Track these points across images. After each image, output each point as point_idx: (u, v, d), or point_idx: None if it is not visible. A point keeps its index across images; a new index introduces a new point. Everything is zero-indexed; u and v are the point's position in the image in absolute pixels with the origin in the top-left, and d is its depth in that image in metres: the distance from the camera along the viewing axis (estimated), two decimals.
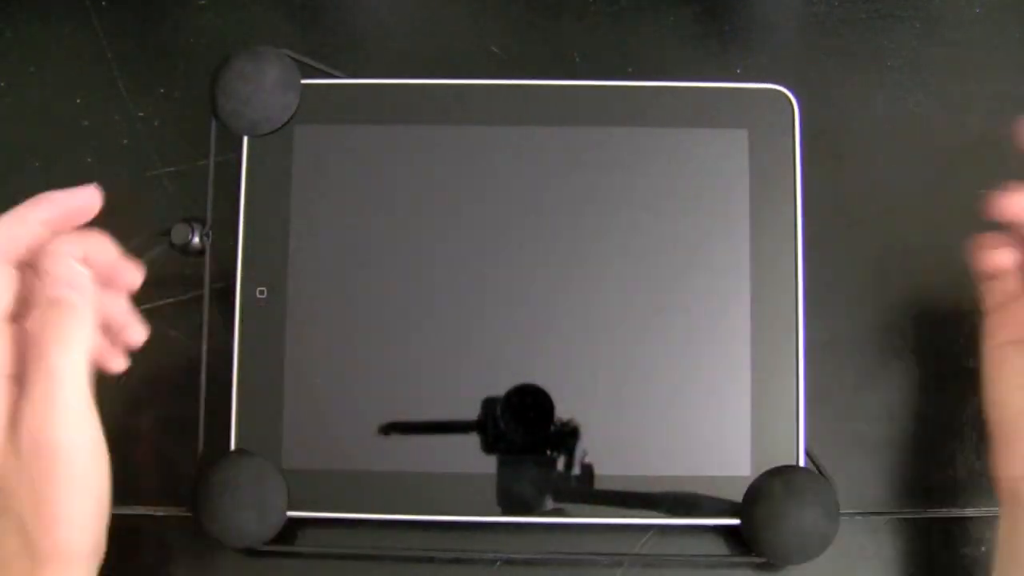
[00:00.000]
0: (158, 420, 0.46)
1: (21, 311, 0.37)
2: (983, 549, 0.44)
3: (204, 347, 0.44)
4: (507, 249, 0.44)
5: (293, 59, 0.45)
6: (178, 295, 0.48)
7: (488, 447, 0.43)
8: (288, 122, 0.44)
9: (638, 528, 0.45)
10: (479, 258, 0.44)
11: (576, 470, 0.43)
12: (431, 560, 0.45)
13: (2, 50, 0.52)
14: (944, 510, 0.45)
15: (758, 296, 0.43)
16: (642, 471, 0.42)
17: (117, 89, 0.51)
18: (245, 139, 0.44)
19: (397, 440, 0.43)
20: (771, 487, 0.41)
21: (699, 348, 0.43)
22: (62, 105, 0.51)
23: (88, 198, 0.38)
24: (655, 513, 0.43)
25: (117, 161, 0.50)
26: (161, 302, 0.48)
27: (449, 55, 0.51)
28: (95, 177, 0.50)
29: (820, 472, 0.43)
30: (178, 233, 0.43)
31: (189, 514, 0.43)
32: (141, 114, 0.51)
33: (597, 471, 0.43)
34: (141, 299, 0.48)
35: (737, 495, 0.42)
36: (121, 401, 0.46)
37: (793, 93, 0.44)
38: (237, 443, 0.43)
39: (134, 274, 0.40)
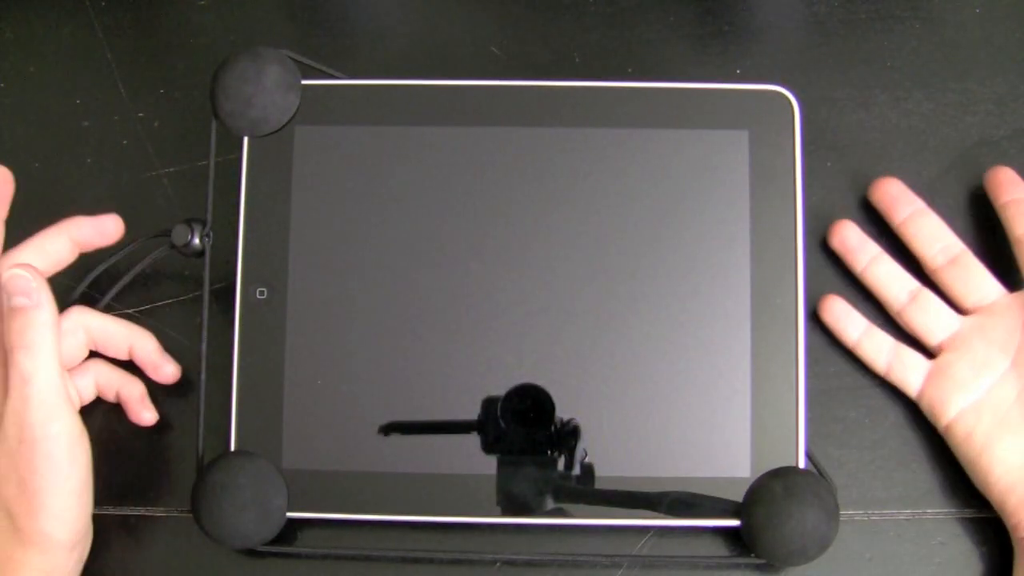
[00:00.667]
0: (158, 420, 0.46)
1: None
2: (983, 550, 0.44)
3: (204, 347, 0.44)
4: (507, 250, 0.44)
5: (293, 60, 0.45)
6: (178, 295, 0.48)
7: (488, 447, 0.43)
8: (288, 123, 0.44)
9: (638, 529, 0.45)
10: (479, 259, 0.44)
11: (576, 471, 0.43)
12: (431, 561, 0.45)
13: (2, 50, 0.52)
14: (944, 511, 0.45)
15: (758, 297, 0.43)
16: (642, 472, 0.42)
17: (117, 89, 0.51)
18: (245, 139, 0.44)
19: (397, 440, 0.43)
20: (771, 488, 0.41)
21: (699, 349, 0.43)
22: (62, 105, 0.51)
23: (114, 226, 0.45)
24: (655, 514, 0.42)
25: (117, 161, 0.50)
26: (161, 302, 0.48)
27: (449, 55, 0.51)
28: (95, 177, 0.50)
29: (820, 473, 0.43)
30: (178, 234, 0.43)
31: (189, 514, 0.43)
32: (141, 114, 0.51)
33: (597, 472, 0.43)
34: (141, 299, 0.48)
35: (737, 496, 0.42)
36: None
37: (793, 93, 0.44)
38: (237, 443, 0.43)
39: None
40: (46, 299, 0.40)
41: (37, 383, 0.39)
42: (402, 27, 0.52)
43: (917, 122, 0.49)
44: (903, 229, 0.45)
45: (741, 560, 0.44)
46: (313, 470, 0.43)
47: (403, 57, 0.51)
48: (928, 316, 0.44)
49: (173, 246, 0.43)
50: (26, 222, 0.50)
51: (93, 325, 0.44)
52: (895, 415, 0.46)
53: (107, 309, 0.46)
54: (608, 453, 0.43)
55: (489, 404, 0.43)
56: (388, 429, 0.43)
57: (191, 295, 0.48)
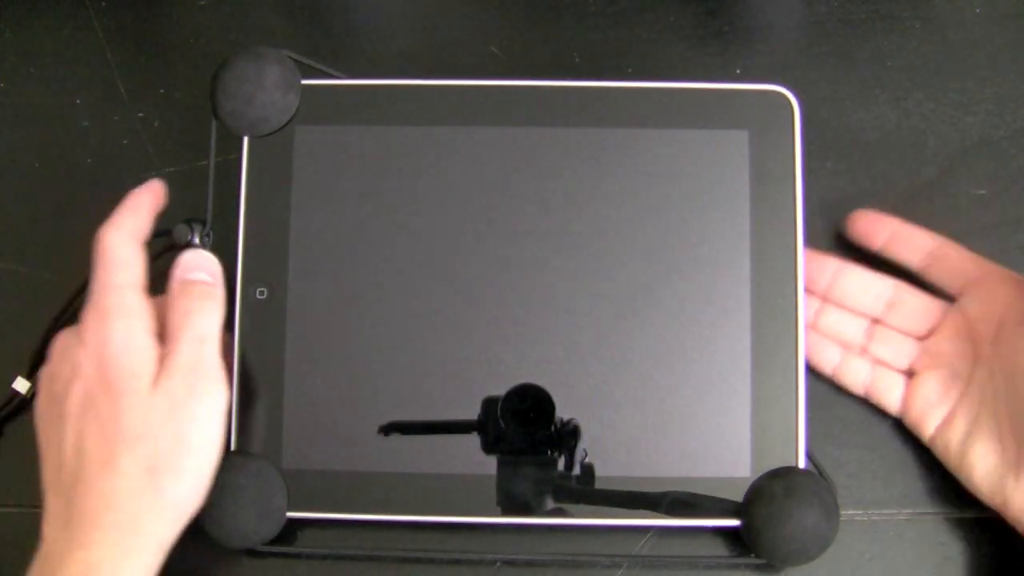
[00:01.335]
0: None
1: None
2: (983, 550, 0.44)
3: (168, 302, 0.43)
4: (507, 250, 0.44)
5: (293, 59, 0.45)
6: None
7: (488, 447, 0.43)
8: (288, 123, 0.44)
9: (638, 529, 0.45)
10: (479, 258, 0.44)
11: (576, 471, 0.43)
12: (431, 561, 0.45)
13: (2, 50, 0.52)
14: (944, 511, 0.45)
15: (759, 297, 0.43)
16: (642, 472, 0.42)
17: (117, 89, 0.51)
18: (245, 139, 0.44)
19: (397, 441, 0.43)
20: (771, 489, 0.41)
21: (699, 349, 0.43)
22: (62, 105, 0.51)
23: (160, 186, 0.44)
24: (655, 514, 0.42)
25: (117, 161, 0.50)
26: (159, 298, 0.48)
27: (449, 55, 0.51)
28: (95, 177, 0.50)
29: (820, 473, 0.43)
30: (179, 234, 0.43)
31: None
32: (141, 114, 0.51)
33: (597, 472, 0.43)
34: None
35: (737, 496, 0.42)
36: None
37: (794, 93, 0.44)
38: (237, 443, 0.43)
39: None
40: (221, 279, 0.43)
41: (212, 344, 0.40)
42: (402, 27, 0.52)
43: (917, 122, 0.49)
44: (830, 300, 0.45)
45: (741, 560, 0.44)
46: (313, 470, 0.43)
47: (403, 57, 0.51)
48: (888, 349, 0.45)
49: (173, 246, 0.43)
50: (26, 222, 0.50)
51: None
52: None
53: None
54: (608, 453, 0.43)
55: (489, 404, 0.43)
56: (388, 429, 0.43)
57: None
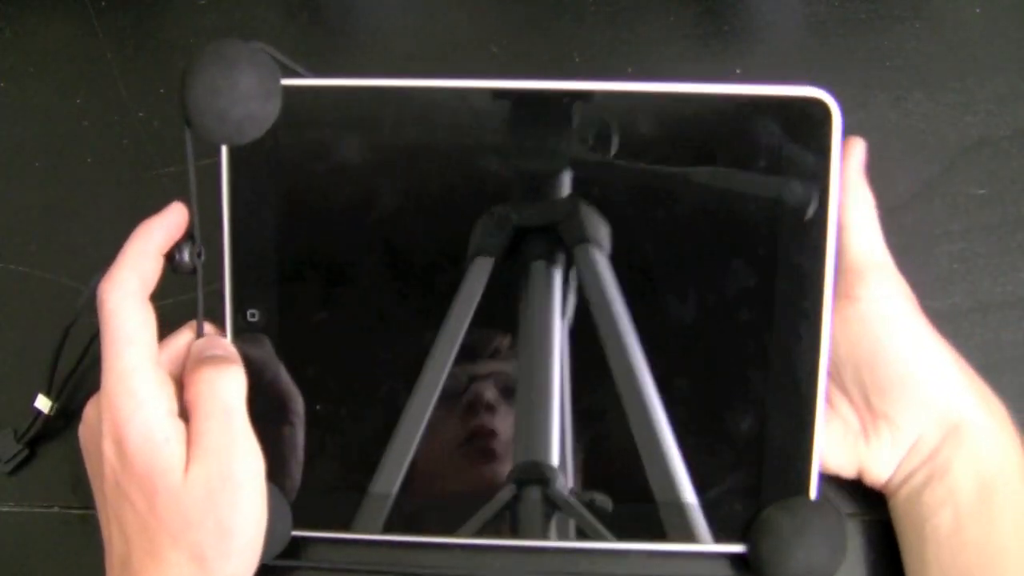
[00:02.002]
0: None
1: None
2: None
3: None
4: (510, 264, 0.42)
5: (271, 56, 0.39)
6: (177, 295, 0.48)
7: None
8: (270, 130, 0.39)
9: (644, 553, 0.44)
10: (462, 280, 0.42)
11: (584, 494, 0.42)
12: None
13: (2, 50, 0.52)
14: None
15: (780, 321, 0.41)
16: (651, 495, 0.41)
17: (117, 89, 0.51)
18: (223, 148, 0.41)
19: (400, 463, 0.42)
20: (780, 522, 0.40)
21: (714, 373, 0.42)
22: (62, 105, 0.51)
23: (180, 215, 0.40)
24: (661, 537, 0.42)
25: (117, 161, 0.50)
26: (161, 302, 0.48)
27: (449, 55, 0.51)
28: (95, 177, 0.50)
29: (831, 504, 0.42)
30: (167, 254, 0.40)
31: None
32: (141, 114, 0.51)
33: (605, 494, 0.42)
34: None
35: (746, 523, 0.41)
36: None
37: (835, 97, 0.40)
38: None
39: None
40: (236, 352, 0.41)
41: (240, 414, 0.38)
42: (402, 26, 0.52)
43: (917, 122, 0.49)
44: None
45: None
46: (316, 490, 0.42)
47: (403, 56, 0.51)
48: None
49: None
50: (26, 222, 0.50)
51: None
52: None
53: None
54: (617, 476, 0.42)
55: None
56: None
57: (189, 295, 0.48)
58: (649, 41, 0.50)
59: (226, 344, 0.41)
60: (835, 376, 0.42)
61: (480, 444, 0.43)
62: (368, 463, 0.42)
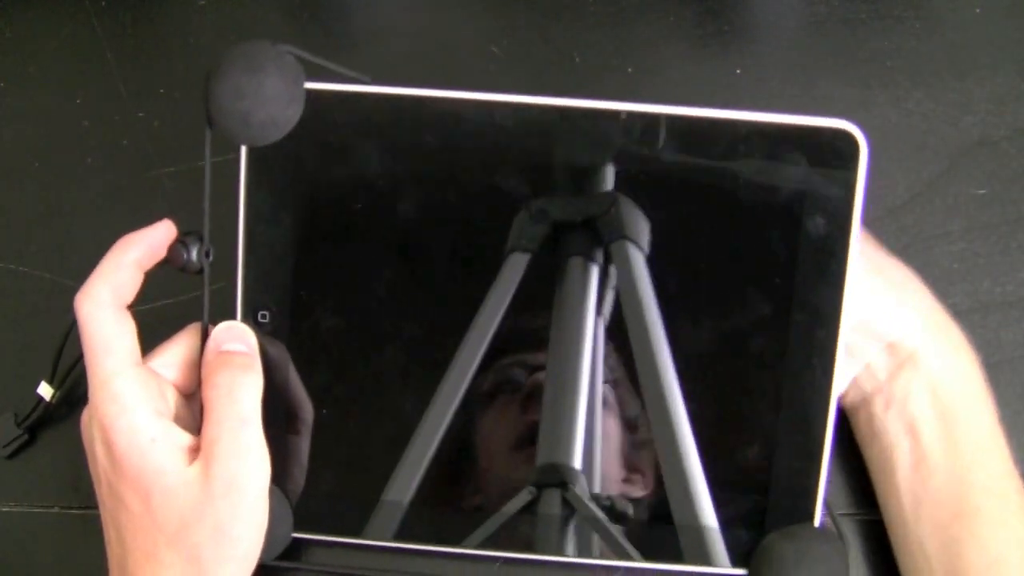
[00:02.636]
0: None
1: None
2: None
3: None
4: (545, 260, 0.41)
5: (297, 57, 0.39)
6: (178, 295, 0.48)
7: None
8: (292, 132, 0.39)
9: (647, 572, 0.44)
10: (496, 276, 0.41)
11: (604, 498, 0.41)
12: None
13: (2, 50, 0.52)
14: None
15: (793, 345, 0.40)
16: (654, 516, 0.41)
17: (117, 89, 0.51)
18: (243, 148, 0.40)
19: (405, 465, 0.42)
20: (782, 551, 0.40)
21: (725, 396, 0.41)
22: (62, 105, 0.51)
23: (165, 233, 0.40)
24: (665, 558, 0.41)
25: (117, 161, 0.50)
26: (161, 302, 0.48)
27: (449, 55, 0.51)
28: (95, 177, 0.50)
29: (837, 530, 0.42)
30: (174, 255, 0.39)
31: None
32: (141, 114, 0.51)
33: (611, 513, 0.41)
34: (140, 299, 0.48)
35: (750, 548, 0.41)
36: None
37: (863, 131, 0.39)
38: None
39: None
40: (258, 351, 0.40)
41: (254, 425, 0.38)
42: (402, 27, 0.52)
43: (917, 122, 0.49)
44: None
45: None
46: (318, 493, 0.42)
47: (403, 57, 0.51)
48: None
49: (167, 263, 0.40)
50: (27, 222, 0.50)
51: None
52: None
53: None
54: (622, 496, 0.41)
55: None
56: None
57: (191, 295, 0.48)
58: (649, 41, 0.50)
59: (247, 336, 0.40)
60: None
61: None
62: (377, 468, 0.42)
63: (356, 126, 0.40)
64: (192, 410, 0.41)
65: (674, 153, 0.40)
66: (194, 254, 0.39)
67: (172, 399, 0.40)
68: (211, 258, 0.40)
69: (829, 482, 0.41)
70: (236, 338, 0.40)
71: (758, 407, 0.41)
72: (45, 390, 0.47)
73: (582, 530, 0.41)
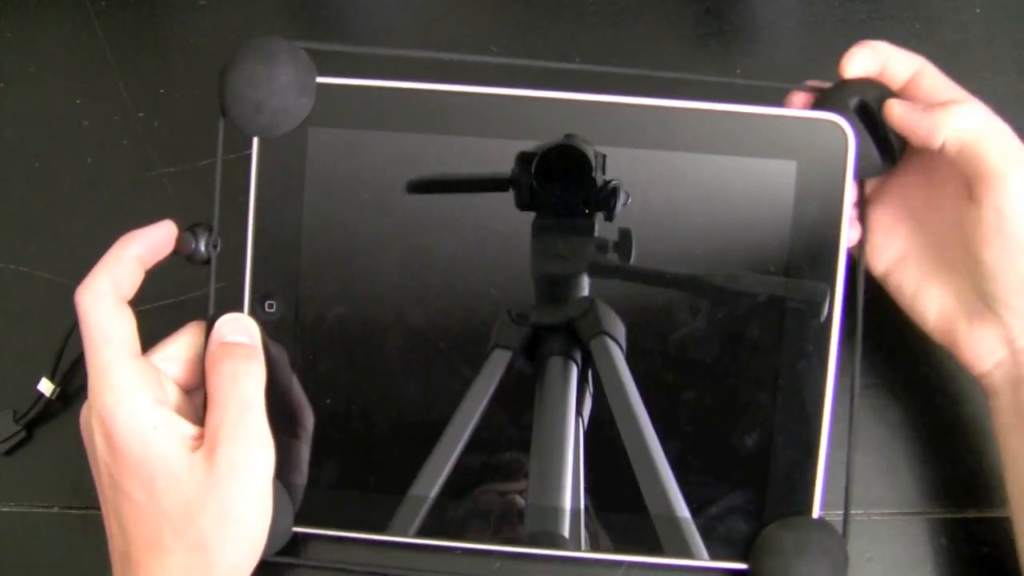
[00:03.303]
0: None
1: None
2: (983, 550, 0.44)
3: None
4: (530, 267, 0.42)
5: (308, 51, 0.41)
6: (179, 295, 0.48)
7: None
8: (302, 124, 0.41)
9: (646, 566, 0.44)
10: (501, 267, 0.42)
11: (585, 499, 0.41)
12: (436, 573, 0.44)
13: (2, 50, 0.52)
14: (944, 511, 0.45)
15: (789, 337, 0.41)
16: (653, 510, 0.41)
17: (117, 89, 0.51)
18: (255, 140, 0.41)
19: (404, 461, 0.42)
20: (782, 541, 0.40)
21: (723, 387, 0.42)
22: (62, 105, 0.51)
23: (167, 232, 0.40)
24: (663, 552, 0.41)
25: (117, 161, 0.50)
26: (162, 302, 0.48)
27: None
28: (95, 177, 0.50)
29: (843, 527, 0.42)
30: (183, 243, 0.40)
31: None
32: (141, 114, 0.51)
33: (608, 507, 0.42)
34: (141, 299, 0.48)
35: (749, 541, 0.41)
36: None
37: (851, 124, 0.40)
38: None
39: None
40: (260, 341, 0.40)
41: (258, 410, 0.38)
42: (403, 26, 0.52)
43: None
44: None
45: None
46: (320, 486, 0.42)
47: (403, 56, 0.51)
48: None
49: (176, 254, 0.41)
50: (26, 222, 0.50)
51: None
52: (895, 415, 0.46)
53: None
54: (620, 490, 0.41)
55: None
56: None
57: (192, 295, 0.48)
58: (649, 41, 0.51)
59: (251, 328, 0.40)
60: (951, 252, 0.41)
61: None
62: (383, 460, 0.42)
63: (365, 121, 0.41)
64: (194, 405, 0.41)
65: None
66: (202, 244, 0.40)
67: (172, 392, 0.40)
68: (218, 248, 0.41)
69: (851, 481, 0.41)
70: (239, 330, 0.40)
71: (754, 405, 0.41)
72: (46, 386, 0.47)
73: (576, 528, 0.41)
